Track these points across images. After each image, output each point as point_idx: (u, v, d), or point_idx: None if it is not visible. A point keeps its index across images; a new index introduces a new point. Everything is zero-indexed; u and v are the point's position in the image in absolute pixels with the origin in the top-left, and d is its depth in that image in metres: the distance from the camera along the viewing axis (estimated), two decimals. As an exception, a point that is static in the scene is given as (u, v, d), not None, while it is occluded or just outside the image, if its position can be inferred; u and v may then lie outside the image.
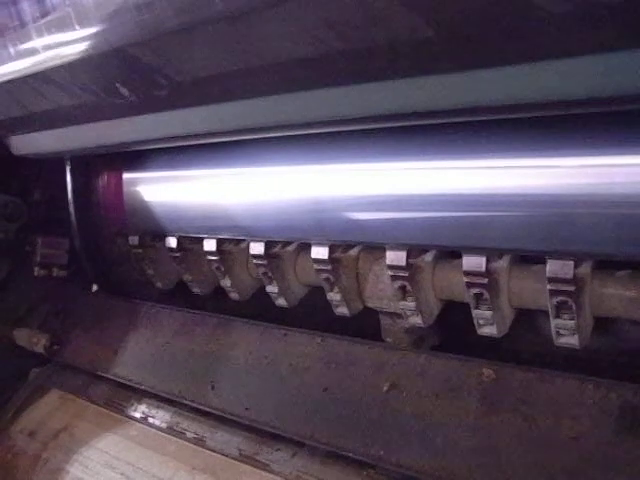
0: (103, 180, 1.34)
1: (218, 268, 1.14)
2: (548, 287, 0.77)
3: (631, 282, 0.76)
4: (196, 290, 1.25)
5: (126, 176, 1.27)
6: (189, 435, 1.04)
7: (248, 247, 1.07)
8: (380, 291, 0.96)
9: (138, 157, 1.23)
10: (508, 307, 0.85)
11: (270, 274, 1.05)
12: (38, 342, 1.29)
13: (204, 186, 1.12)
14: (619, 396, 0.71)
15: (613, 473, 0.67)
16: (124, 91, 0.79)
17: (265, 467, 0.91)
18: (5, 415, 1.31)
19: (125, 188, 1.27)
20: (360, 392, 0.87)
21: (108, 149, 1.11)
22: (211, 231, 1.13)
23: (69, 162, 1.36)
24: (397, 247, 0.88)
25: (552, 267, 0.75)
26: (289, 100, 0.71)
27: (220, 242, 1.12)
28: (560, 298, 0.76)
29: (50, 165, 1.39)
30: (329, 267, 0.96)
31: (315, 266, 0.98)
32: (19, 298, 1.39)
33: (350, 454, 0.83)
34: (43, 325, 1.37)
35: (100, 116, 0.93)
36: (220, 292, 1.21)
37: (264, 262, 1.04)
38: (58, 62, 0.79)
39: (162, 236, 1.22)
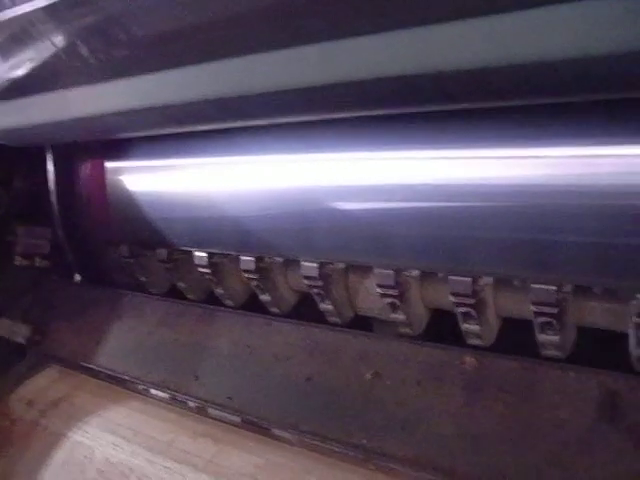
0: (85, 169, 1.32)
1: (211, 279, 1.15)
2: (532, 308, 0.78)
3: (609, 295, 0.77)
4: (190, 296, 1.24)
5: (108, 165, 1.26)
6: (191, 404, 1.03)
7: (239, 260, 1.07)
8: (371, 303, 0.97)
9: (120, 145, 1.22)
10: (495, 319, 0.87)
11: (262, 286, 1.07)
12: (19, 332, 1.28)
13: (192, 193, 1.10)
14: (600, 383, 0.72)
15: (593, 458, 0.68)
16: (84, 51, 0.75)
17: (267, 432, 0.91)
18: (3, 386, 1.31)
19: (108, 177, 1.26)
20: (343, 381, 0.87)
21: (67, 127, 1.03)
22: (201, 245, 1.13)
23: (50, 150, 1.34)
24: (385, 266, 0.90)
25: (535, 293, 0.77)
26: (269, 60, 0.66)
27: (211, 255, 1.12)
28: (544, 319, 0.79)
29: (31, 153, 1.37)
30: (320, 283, 0.97)
31: (306, 282, 0.99)
32: (0, 288, 1.37)
33: (333, 444, 0.83)
34: (25, 315, 1.35)
35: (58, 85, 0.88)
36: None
37: (255, 276, 1.05)
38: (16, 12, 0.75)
39: (151, 245, 1.22)
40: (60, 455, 1.09)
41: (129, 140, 1.17)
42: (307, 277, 0.98)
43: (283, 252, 1.02)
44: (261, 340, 0.99)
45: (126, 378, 1.12)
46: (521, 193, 0.74)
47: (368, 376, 0.85)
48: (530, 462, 0.70)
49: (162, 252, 1.20)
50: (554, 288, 0.76)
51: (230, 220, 1.03)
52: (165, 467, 0.95)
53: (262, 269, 1.05)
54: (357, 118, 0.85)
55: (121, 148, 1.22)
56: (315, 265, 0.96)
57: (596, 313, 0.79)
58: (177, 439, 0.99)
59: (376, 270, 0.90)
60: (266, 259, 1.04)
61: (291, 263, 1.03)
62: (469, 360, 0.80)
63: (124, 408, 1.11)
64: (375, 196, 0.87)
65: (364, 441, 0.80)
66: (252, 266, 1.05)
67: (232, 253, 1.10)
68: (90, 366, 1.19)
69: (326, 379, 0.89)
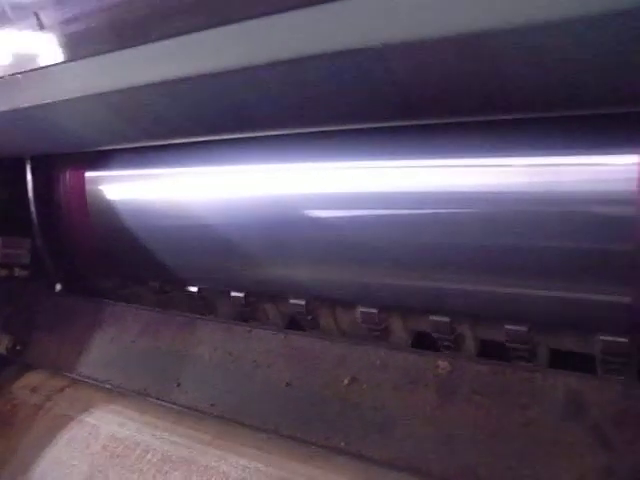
0: (65, 179, 1.33)
1: (202, 310, 1.20)
2: (507, 345, 0.85)
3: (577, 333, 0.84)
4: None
5: (88, 175, 1.27)
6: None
7: (229, 293, 1.11)
8: (358, 331, 1.02)
9: (100, 156, 1.22)
10: (473, 345, 0.93)
11: (253, 316, 1.12)
12: (0, 343, 1.28)
13: (176, 224, 1.12)
14: (565, 385, 0.75)
15: (561, 455, 0.71)
16: (44, 19, 0.69)
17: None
18: (6, 376, 1.30)
19: (87, 187, 1.27)
20: (322, 386, 0.89)
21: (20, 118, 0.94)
22: (190, 281, 1.17)
23: (29, 160, 1.34)
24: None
25: (508, 333, 0.84)
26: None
27: (201, 289, 1.17)
28: (518, 354, 0.86)
29: (10, 163, 1.37)
30: (309, 317, 1.03)
31: (295, 316, 1.05)
32: (-20, 299, 1.37)
33: (312, 446, 0.85)
34: (6, 326, 1.35)
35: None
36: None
37: (246, 309, 1.11)
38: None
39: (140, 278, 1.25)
40: (65, 433, 1.09)
41: (109, 151, 1.18)
42: (297, 312, 1.04)
43: (272, 290, 1.06)
44: (242, 347, 1.01)
45: (108, 387, 1.13)
46: (491, 244, 0.80)
47: (346, 381, 0.88)
48: (502, 460, 0.73)
49: (154, 285, 1.25)
50: (525, 329, 0.83)
51: (218, 259, 1.07)
52: (171, 441, 0.96)
53: (252, 303, 1.10)
54: (347, 143, 0.88)
55: (101, 158, 1.23)
56: (303, 302, 1.02)
57: (566, 344, 0.85)
58: (183, 419, 1.00)
59: (361, 308, 0.96)
60: (255, 294, 1.09)
61: (279, 298, 1.08)
62: (443, 364, 0.83)
63: (130, 395, 1.11)
64: (357, 243, 0.91)
65: (342, 444, 0.83)
66: (242, 301, 1.10)
67: (221, 289, 1.14)
68: (72, 375, 1.20)
69: (305, 384, 0.91)
